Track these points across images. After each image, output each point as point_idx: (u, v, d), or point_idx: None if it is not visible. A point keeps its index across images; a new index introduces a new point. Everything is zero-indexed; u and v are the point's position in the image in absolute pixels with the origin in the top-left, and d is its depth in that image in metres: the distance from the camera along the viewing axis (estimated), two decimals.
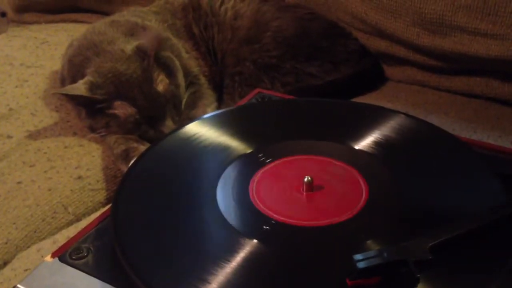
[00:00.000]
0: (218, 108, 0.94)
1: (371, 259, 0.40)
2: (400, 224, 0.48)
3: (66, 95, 0.82)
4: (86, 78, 0.78)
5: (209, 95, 0.93)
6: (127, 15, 0.95)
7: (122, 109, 0.78)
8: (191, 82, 0.89)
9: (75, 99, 0.81)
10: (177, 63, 0.86)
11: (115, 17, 0.95)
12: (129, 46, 0.81)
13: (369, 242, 0.45)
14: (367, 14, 0.95)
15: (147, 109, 0.79)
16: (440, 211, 0.49)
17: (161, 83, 0.80)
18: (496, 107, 0.89)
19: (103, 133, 0.81)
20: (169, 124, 0.79)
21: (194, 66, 0.93)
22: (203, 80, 0.94)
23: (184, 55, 0.92)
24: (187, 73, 0.88)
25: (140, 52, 0.80)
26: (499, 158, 0.59)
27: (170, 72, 0.82)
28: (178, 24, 0.97)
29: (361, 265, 0.40)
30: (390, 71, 1.00)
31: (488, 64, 0.87)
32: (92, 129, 0.82)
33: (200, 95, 0.90)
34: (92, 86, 0.77)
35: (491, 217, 0.45)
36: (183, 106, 0.84)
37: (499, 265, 0.42)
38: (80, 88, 0.77)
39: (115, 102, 0.78)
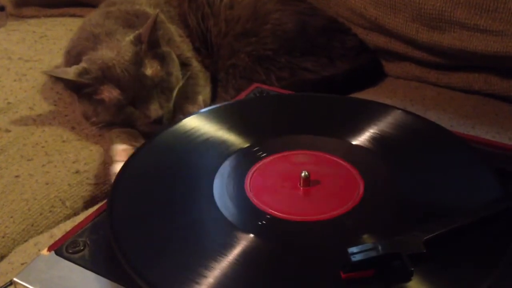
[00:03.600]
0: (212, 101, 0.93)
1: (365, 252, 0.41)
2: (396, 219, 0.48)
3: (55, 78, 0.81)
4: (80, 64, 0.79)
5: (201, 79, 0.92)
6: (117, 2, 0.94)
7: (107, 92, 0.78)
8: (183, 63, 0.88)
9: (62, 82, 0.81)
10: (173, 56, 0.85)
11: (107, 7, 0.94)
12: (127, 38, 0.81)
13: (364, 236, 0.45)
14: (366, 9, 0.95)
15: (131, 90, 0.78)
16: (436, 206, 0.49)
17: (150, 68, 0.79)
18: (495, 104, 0.88)
19: (97, 123, 0.80)
20: (155, 107, 0.78)
21: (187, 50, 0.93)
22: (195, 63, 0.93)
23: (177, 39, 0.92)
24: (179, 55, 0.88)
25: (136, 40, 0.80)
26: (497, 154, 0.59)
27: (163, 62, 0.82)
28: (172, 12, 0.97)
29: (355, 258, 0.40)
30: (388, 66, 1.00)
31: (487, 60, 0.87)
32: (86, 117, 0.82)
33: (193, 82, 0.90)
34: (82, 71, 0.77)
35: (486, 212, 0.45)
36: (174, 93, 0.84)
37: (493, 259, 0.42)
38: (69, 72, 0.78)
39: (101, 87, 0.78)
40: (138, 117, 0.79)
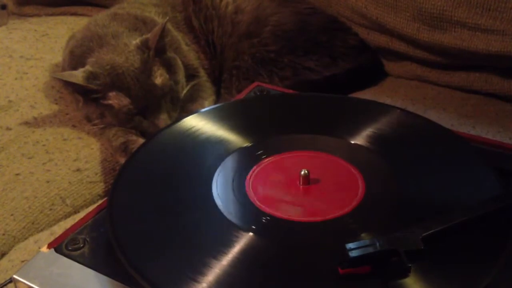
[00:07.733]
0: (216, 102, 0.93)
1: (363, 248, 0.41)
2: (396, 218, 0.48)
3: (64, 81, 0.82)
4: (86, 67, 0.79)
5: (207, 88, 0.92)
6: (127, 7, 0.95)
7: (116, 99, 0.78)
8: (190, 75, 0.89)
9: (71, 86, 0.81)
10: (179, 62, 0.85)
11: (116, 9, 0.95)
12: (133, 41, 0.81)
13: (364, 235, 0.45)
14: (367, 8, 0.95)
15: (141, 99, 0.78)
16: (436, 205, 0.49)
17: (160, 77, 0.80)
18: (495, 103, 0.88)
19: (99, 125, 0.81)
20: (164, 117, 0.79)
21: (194, 59, 0.93)
22: (202, 73, 0.93)
23: (184, 48, 0.92)
24: (186, 65, 0.88)
25: (143, 46, 0.80)
26: (498, 153, 0.59)
27: (171, 69, 0.82)
28: (179, 17, 0.97)
29: (353, 254, 0.40)
30: (389, 66, 1.00)
31: (488, 59, 0.87)
32: (89, 119, 0.82)
33: (199, 88, 0.90)
34: (90, 76, 0.77)
35: (484, 209, 0.45)
36: (180, 101, 0.84)
37: (492, 258, 0.42)
38: (77, 76, 0.78)
39: (110, 93, 0.78)
40: (147, 126, 0.80)
